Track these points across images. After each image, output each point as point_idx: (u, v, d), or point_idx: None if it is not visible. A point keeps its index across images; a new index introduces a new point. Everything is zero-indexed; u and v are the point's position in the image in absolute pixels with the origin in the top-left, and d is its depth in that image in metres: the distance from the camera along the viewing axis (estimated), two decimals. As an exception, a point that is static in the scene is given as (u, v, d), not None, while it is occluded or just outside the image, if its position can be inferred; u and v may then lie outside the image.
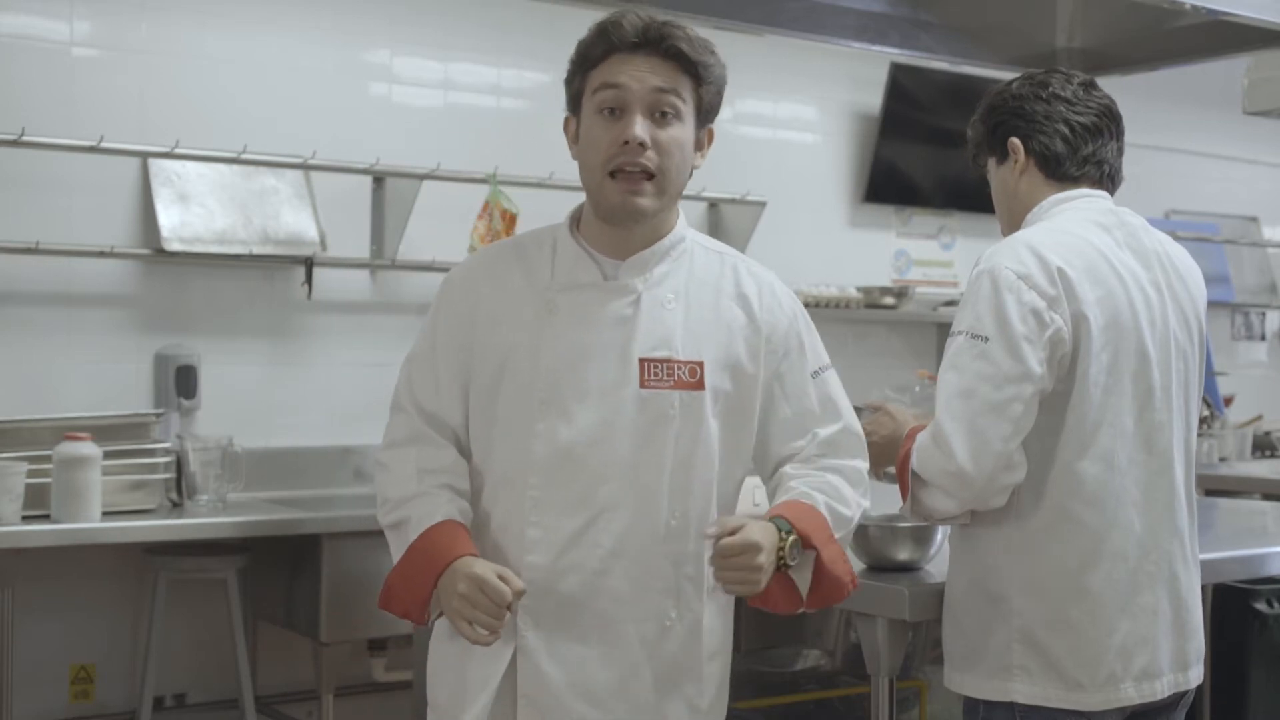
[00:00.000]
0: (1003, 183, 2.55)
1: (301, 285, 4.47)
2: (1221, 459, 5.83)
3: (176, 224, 4.31)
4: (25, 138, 4.02)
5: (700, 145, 2.22)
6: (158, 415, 3.99)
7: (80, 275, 4.25)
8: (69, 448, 3.57)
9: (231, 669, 4.06)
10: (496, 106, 4.92)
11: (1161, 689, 2.36)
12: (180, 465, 3.95)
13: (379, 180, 4.67)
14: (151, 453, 3.84)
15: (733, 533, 2.08)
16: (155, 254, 4.29)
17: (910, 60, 5.40)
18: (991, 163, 2.56)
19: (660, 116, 2.13)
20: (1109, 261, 2.36)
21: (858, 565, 2.78)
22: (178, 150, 4.24)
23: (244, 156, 4.36)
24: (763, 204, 5.32)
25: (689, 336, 2.17)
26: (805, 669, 3.88)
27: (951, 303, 5.67)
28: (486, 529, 2.19)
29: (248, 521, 3.80)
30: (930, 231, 6.11)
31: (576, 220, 2.24)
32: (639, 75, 2.11)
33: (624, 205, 2.13)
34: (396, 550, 2.18)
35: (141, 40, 4.36)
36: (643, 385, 2.13)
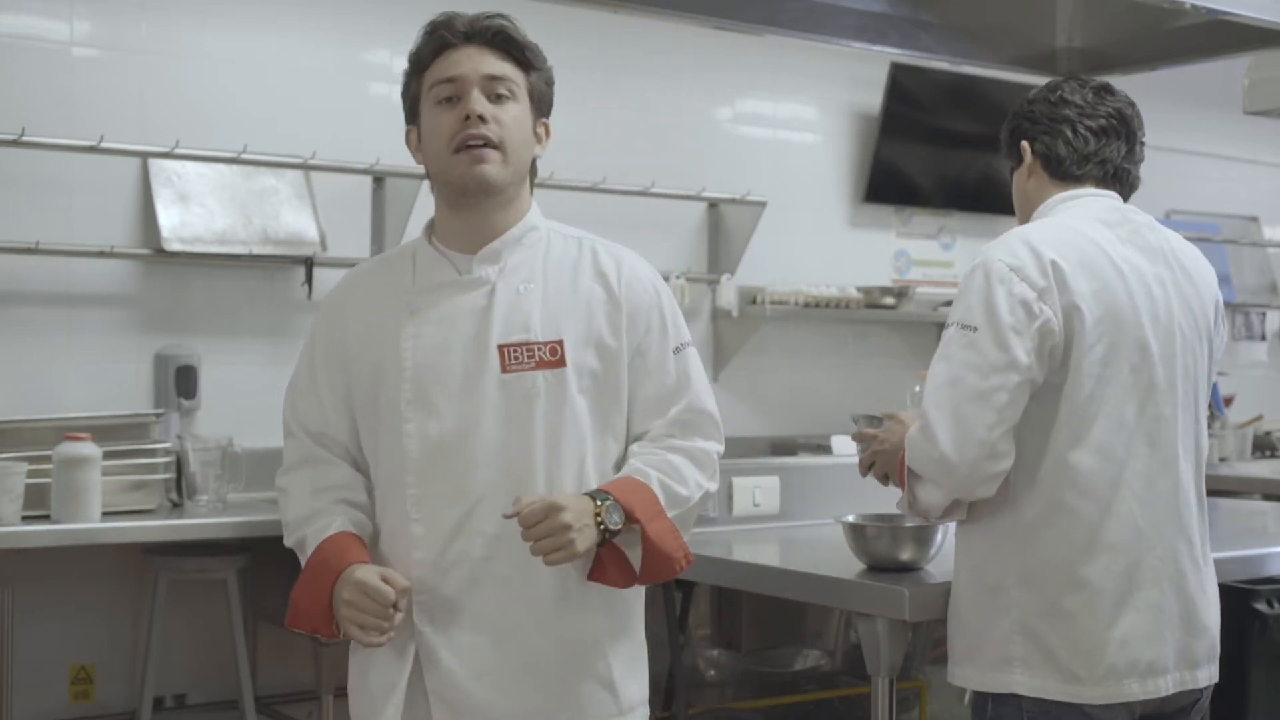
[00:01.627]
0: (1017, 185, 2.60)
1: (301, 285, 4.47)
2: (1221, 459, 5.83)
3: (176, 224, 4.31)
4: (25, 138, 4.02)
5: (539, 138, 2.28)
6: (158, 415, 3.99)
7: (80, 275, 4.25)
8: (69, 448, 3.56)
9: (231, 669, 4.05)
10: (496, 106, 4.92)
11: (1166, 686, 2.36)
12: (180, 465, 3.94)
13: (379, 180, 4.67)
14: (151, 453, 3.84)
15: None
16: (155, 254, 4.29)
17: (910, 60, 5.40)
18: (1010, 166, 2.61)
19: (496, 98, 2.20)
20: (1108, 255, 2.37)
21: (857, 565, 2.79)
22: (178, 150, 4.23)
23: (244, 156, 4.36)
24: (763, 204, 5.32)
25: (547, 318, 2.20)
26: (805, 669, 3.88)
27: (951, 303, 5.67)
28: (379, 534, 2.25)
29: (248, 521, 3.79)
30: (930, 231, 6.10)
31: (432, 229, 2.31)
32: (471, 64, 2.20)
33: (472, 176, 2.18)
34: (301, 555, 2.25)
35: (141, 40, 4.36)
36: (504, 370, 2.17)
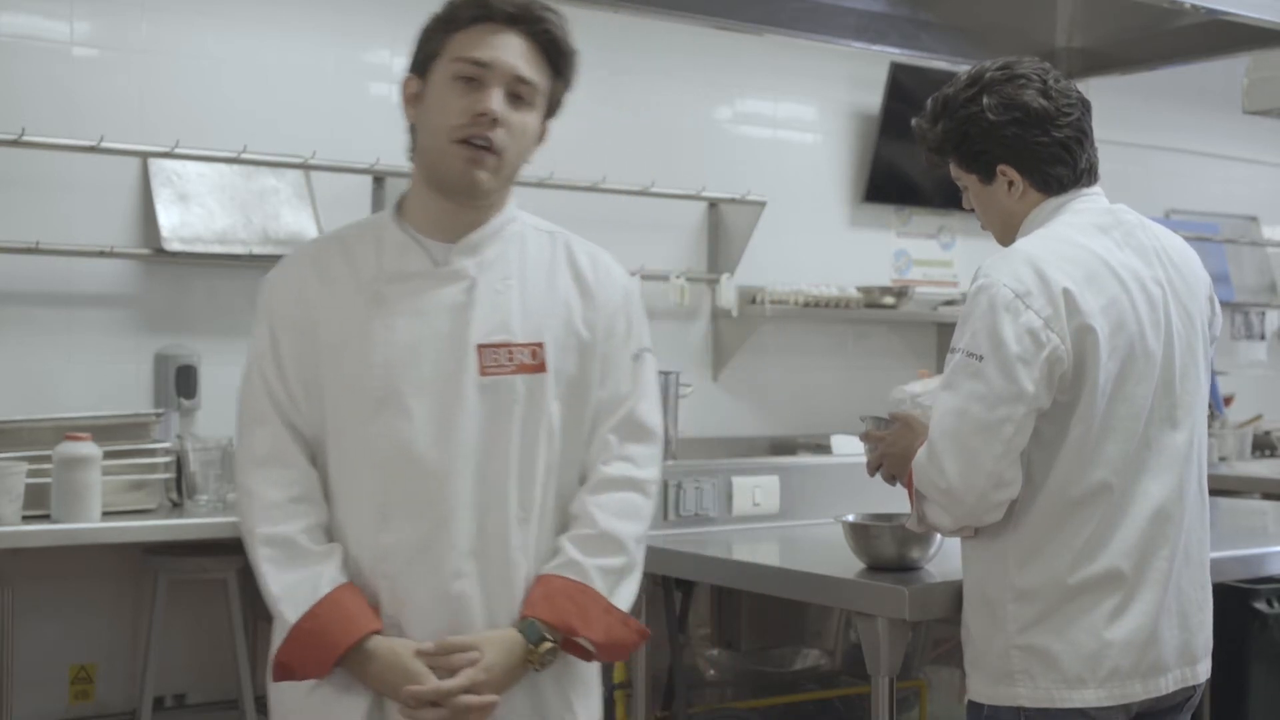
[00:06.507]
0: (994, 201, 2.49)
1: (301, 285, 4.47)
2: (1221, 459, 5.83)
3: (176, 224, 4.31)
4: (25, 138, 4.03)
5: (540, 138, 2.16)
6: (158, 415, 3.99)
7: (80, 275, 4.25)
8: (69, 448, 3.57)
9: (231, 669, 4.06)
10: (496, 106, 4.92)
11: (1168, 684, 2.36)
12: (180, 465, 3.95)
13: (379, 180, 4.67)
14: (151, 453, 3.84)
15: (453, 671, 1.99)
16: (155, 254, 4.29)
17: (910, 60, 5.39)
18: (973, 179, 2.50)
19: (515, 99, 2.07)
20: (1109, 265, 2.34)
21: (857, 565, 2.79)
22: (178, 150, 4.24)
23: (244, 156, 4.36)
24: (763, 204, 5.32)
25: (527, 318, 2.09)
26: (805, 669, 3.88)
27: (951, 302, 5.67)
28: (338, 537, 2.08)
29: (248, 521, 3.79)
30: (930, 231, 6.11)
31: (401, 209, 2.15)
32: (506, 56, 2.06)
33: (464, 175, 2.06)
34: (280, 612, 2.03)
35: (141, 40, 4.36)
36: (482, 373, 2.04)
